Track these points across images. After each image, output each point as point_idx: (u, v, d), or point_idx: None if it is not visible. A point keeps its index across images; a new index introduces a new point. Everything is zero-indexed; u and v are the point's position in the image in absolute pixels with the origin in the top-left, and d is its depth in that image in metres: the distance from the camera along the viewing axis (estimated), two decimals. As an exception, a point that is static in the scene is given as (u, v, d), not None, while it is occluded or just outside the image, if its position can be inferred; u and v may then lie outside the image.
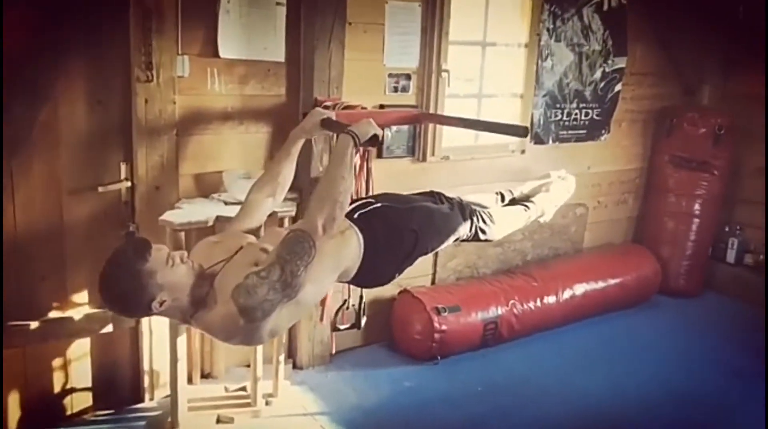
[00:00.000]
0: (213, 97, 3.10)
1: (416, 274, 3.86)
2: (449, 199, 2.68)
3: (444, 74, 3.67)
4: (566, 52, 4.27)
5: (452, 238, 2.60)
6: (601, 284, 4.29)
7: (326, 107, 2.95)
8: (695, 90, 4.93)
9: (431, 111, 3.65)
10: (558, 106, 4.34)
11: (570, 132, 4.45)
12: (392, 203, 2.44)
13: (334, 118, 2.42)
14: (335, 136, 3.03)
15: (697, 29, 4.66)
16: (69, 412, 3.07)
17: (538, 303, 3.97)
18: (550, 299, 4.03)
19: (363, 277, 2.31)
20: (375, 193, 3.07)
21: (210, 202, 3.06)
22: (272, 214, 2.40)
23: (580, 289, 4.17)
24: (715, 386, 3.64)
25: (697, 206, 4.77)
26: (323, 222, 1.94)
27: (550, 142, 4.35)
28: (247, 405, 3.14)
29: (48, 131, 2.77)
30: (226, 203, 3.04)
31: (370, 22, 3.43)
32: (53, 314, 2.93)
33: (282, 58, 3.21)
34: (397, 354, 3.76)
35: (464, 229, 2.62)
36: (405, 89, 3.63)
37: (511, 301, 3.87)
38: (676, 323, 4.45)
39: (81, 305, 3.00)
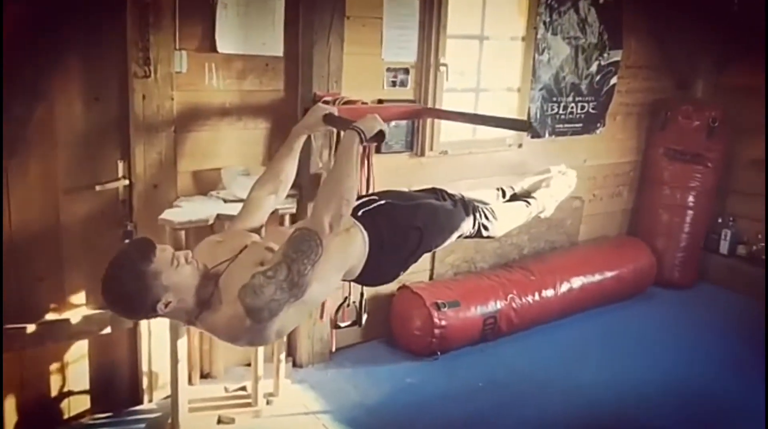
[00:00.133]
0: (211, 92, 3.04)
1: (414, 270, 3.77)
2: (451, 196, 2.67)
3: (442, 68, 3.64)
4: (563, 46, 4.24)
5: (456, 235, 2.59)
6: (598, 277, 4.30)
7: (326, 102, 2.92)
8: (689, 83, 4.94)
9: (429, 105, 3.62)
10: (554, 99, 4.30)
11: (566, 125, 4.42)
12: (396, 200, 2.42)
13: (336, 113, 2.40)
14: (336, 132, 3.02)
15: (690, 22, 4.66)
16: (66, 416, 3.02)
17: (537, 297, 3.97)
18: (548, 293, 4.03)
19: (368, 276, 2.29)
20: (375, 188, 3.06)
21: (209, 200, 3.01)
22: (273, 212, 2.36)
23: (577, 282, 4.18)
24: (713, 377, 3.66)
25: (691, 198, 4.79)
26: (330, 220, 1.92)
27: (547, 135, 4.32)
28: (248, 405, 3.11)
29: (44, 129, 2.70)
30: (225, 201, 2.99)
31: (369, 16, 3.39)
32: (50, 316, 2.88)
33: (280, 53, 3.16)
34: (397, 350, 3.74)
35: (467, 226, 2.61)
36: (403, 83, 3.59)
37: (510, 296, 3.87)
38: (672, 315, 4.48)
39: (79, 306, 2.94)
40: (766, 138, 4.51)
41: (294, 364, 3.51)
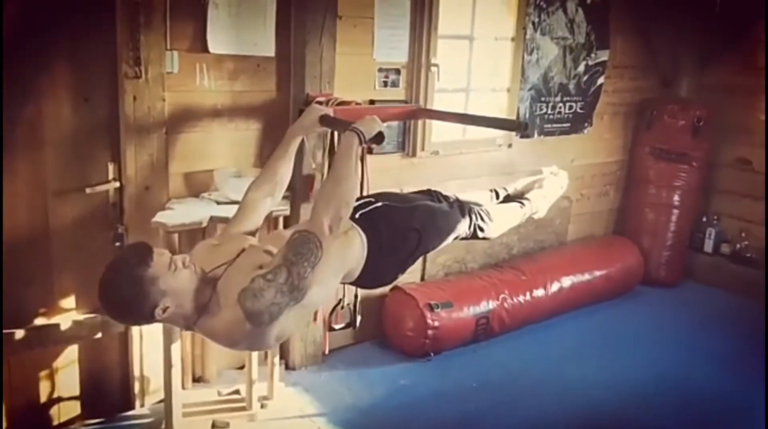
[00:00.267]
0: (202, 93, 3.00)
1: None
2: (446, 198, 2.66)
3: (433, 68, 3.63)
4: (551, 46, 4.27)
5: (452, 237, 2.58)
6: (587, 276, 4.32)
7: (319, 103, 2.90)
8: (673, 82, 4.99)
9: (421, 105, 3.61)
10: (543, 99, 4.34)
11: (554, 125, 4.46)
12: (393, 202, 2.40)
13: (331, 114, 2.37)
14: (330, 133, 3.00)
15: (675, 22, 4.71)
16: (56, 422, 2.97)
17: (528, 296, 3.99)
18: (539, 292, 4.05)
19: (366, 278, 2.28)
20: (369, 189, 3.05)
21: (201, 202, 2.98)
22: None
23: (567, 281, 4.20)
24: (703, 374, 3.69)
25: (676, 197, 4.83)
26: (330, 222, 1.89)
27: (536, 135, 4.35)
28: (242, 409, 3.08)
29: (32, 131, 2.65)
30: (218, 203, 2.96)
31: (360, 16, 3.37)
32: (40, 321, 2.82)
33: (272, 53, 3.13)
34: (390, 351, 3.73)
35: (464, 228, 2.60)
36: (395, 84, 3.58)
37: (502, 296, 3.87)
38: (660, 313, 4.52)
39: (68, 311, 2.89)
40: (766, 138, 4.55)
41: (287, 367, 3.48)
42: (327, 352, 3.39)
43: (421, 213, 2.43)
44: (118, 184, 2.87)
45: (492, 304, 3.81)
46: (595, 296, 4.39)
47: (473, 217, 2.63)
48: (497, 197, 2.97)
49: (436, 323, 3.58)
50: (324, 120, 2.30)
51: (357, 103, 3.07)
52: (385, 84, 3.55)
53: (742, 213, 4.92)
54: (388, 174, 3.56)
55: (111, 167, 2.85)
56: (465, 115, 3.06)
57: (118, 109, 2.80)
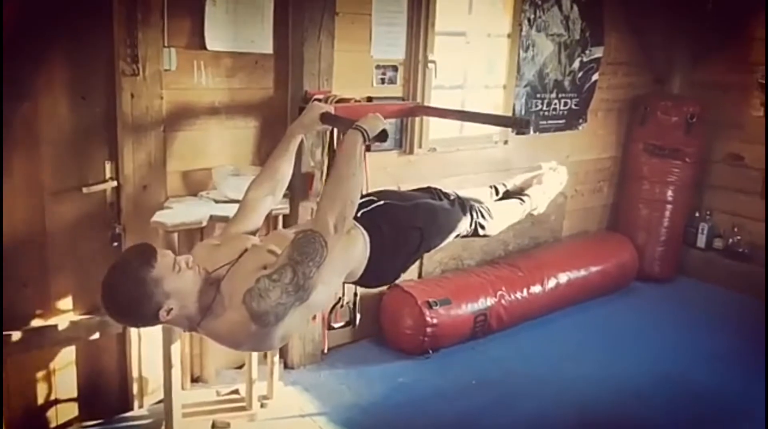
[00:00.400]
0: (200, 91, 2.97)
1: (403, 268, 3.82)
2: (447, 195, 2.65)
3: (430, 65, 3.62)
4: (546, 43, 4.27)
5: (453, 235, 2.57)
6: (583, 272, 4.34)
7: (318, 100, 2.88)
8: (666, 79, 5.01)
9: (418, 102, 3.60)
10: (538, 96, 4.34)
11: (550, 122, 4.47)
12: (395, 201, 2.39)
13: (332, 112, 2.35)
14: (329, 131, 2.98)
15: (667, 19, 4.72)
16: (54, 425, 2.93)
17: (525, 293, 3.99)
18: (536, 289, 4.06)
19: (369, 277, 2.26)
20: (368, 187, 3.03)
21: (200, 201, 2.95)
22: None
23: (563, 277, 4.21)
24: (699, 369, 3.71)
25: (670, 193, 4.85)
26: (335, 221, 1.88)
27: (531, 132, 4.35)
28: (242, 408, 3.06)
29: (28, 129, 2.61)
30: (216, 202, 2.93)
31: (358, 13, 3.35)
32: (36, 322, 2.79)
33: (270, 50, 3.11)
34: (388, 349, 3.72)
35: (465, 225, 2.59)
36: (392, 81, 3.57)
37: (499, 292, 3.88)
38: (655, 308, 4.54)
39: (65, 312, 2.86)
40: (766, 136, 4.58)
41: (285, 366, 3.46)
42: (326, 350, 3.37)
43: (423, 211, 2.42)
44: (115, 183, 2.84)
45: (490, 301, 3.81)
46: (590, 292, 4.40)
47: (474, 214, 2.62)
48: (496, 193, 2.97)
49: (435, 321, 3.57)
50: (325, 118, 2.28)
51: (356, 101, 3.05)
52: (383, 81, 3.54)
53: (734, 208, 4.95)
54: (385, 172, 3.55)
55: (108, 166, 2.82)
56: (465, 113, 3.05)
57: (115, 107, 2.77)
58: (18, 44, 2.50)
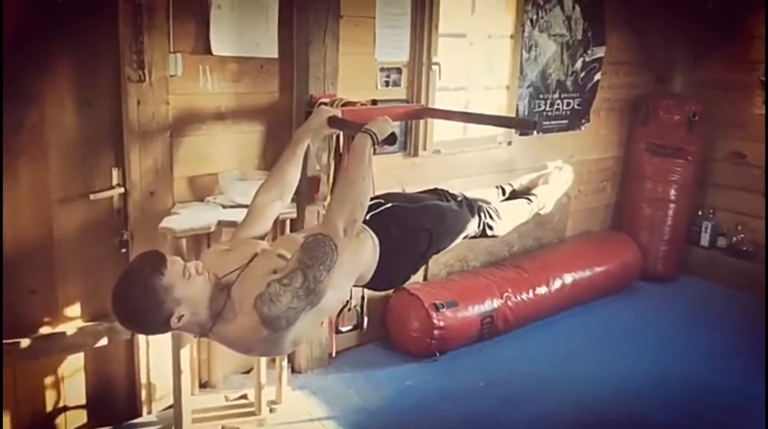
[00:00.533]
0: (206, 96, 2.97)
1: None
2: (454, 196, 2.64)
3: (434, 67, 3.62)
4: (549, 43, 4.27)
5: (462, 236, 2.57)
6: (588, 272, 4.34)
7: (323, 104, 2.88)
8: (667, 78, 5.01)
9: (422, 104, 3.59)
10: (541, 96, 4.35)
11: (553, 122, 4.47)
12: (402, 203, 2.39)
13: (339, 116, 2.35)
14: (335, 135, 2.97)
15: (668, 18, 4.73)
16: (63, 431, 2.93)
17: (531, 294, 3.99)
18: (542, 290, 4.06)
19: (378, 280, 2.26)
20: (374, 190, 3.03)
21: (207, 206, 2.95)
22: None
23: (569, 278, 4.21)
24: (703, 368, 3.71)
25: (672, 192, 4.85)
26: (344, 224, 1.87)
27: (535, 132, 4.35)
28: (251, 414, 3.05)
29: (35, 136, 2.60)
30: (224, 207, 2.92)
31: (362, 15, 3.35)
32: (44, 330, 2.78)
33: (275, 54, 3.10)
34: (395, 352, 3.71)
35: (473, 226, 2.59)
36: (396, 83, 3.57)
37: (505, 294, 3.87)
38: (659, 308, 4.54)
39: (73, 319, 2.85)
40: (766, 137, 4.58)
41: (293, 371, 3.46)
42: (334, 354, 3.37)
43: (431, 213, 2.41)
44: (122, 189, 2.83)
45: (496, 303, 3.81)
46: (595, 292, 4.40)
47: (482, 215, 2.62)
48: (503, 193, 2.97)
49: (442, 323, 3.57)
50: (332, 122, 2.27)
51: (362, 104, 3.05)
52: (387, 83, 3.54)
53: (737, 206, 4.95)
54: (390, 174, 3.54)
55: (115, 173, 2.81)
56: (471, 114, 3.04)
57: (121, 113, 2.76)
58: (24, 50, 2.50)
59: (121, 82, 2.72)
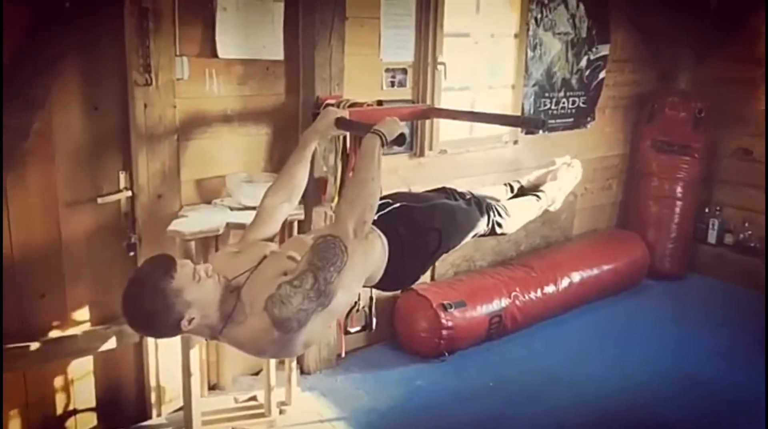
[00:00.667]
0: (212, 99, 2.98)
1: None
2: (462, 195, 2.64)
3: (440, 67, 3.62)
4: (553, 41, 4.27)
5: (472, 234, 2.56)
6: (595, 271, 4.33)
7: (330, 105, 2.87)
8: (672, 75, 5.00)
9: (428, 104, 3.59)
10: (546, 95, 4.34)
11: (558, 121, 4.46)
12: (411, 202, 2.37)
13: (347, 117, 2.35)
14: (341, 136, 2.97)
15: (672, 15, 4.72)
16: (73, 434, 2.94)
17: (539, 293, 3.99)
18: (550, 289, 4.05)
19: (388, 281, 2.25)
20: (381, 190, 3.02)
21: (214, 209, 2.95)
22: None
23: (576, 276, 4.20)
24: (713, 366, 3.71)
25: (679, 189, 4.84)
26: (354, 225, 1.87)
27: (540, 131, 4.34)
28: (261, 415, 3.05)
29: (42, 140, 2.61)
30: (231, 209, 2.93)
31: (367, 16, 3.35)
32: (54, 333, 2.79)
33: (281, 56, 3.11)
34: (403, 352, 3.71)
35: (483, 225, 2.58)
36: (402, 84, 3.57)
37: (513, 293, 3.87)
38: (666, 305, 4.53)
39: (82, 323, 2.86)
40: (766, 132, 4.57)
41: (302, 372, 3.46)
42: (343, 354, 3.37)
43: (440, 212, 2.40)
44: (130, 193, 2.84)
45: (504, 302, 3.81)
46: (603, 291, 4.39)
47: (491, 213, 2.61)
48: (512, 190, 2.96)
49: (450, 323, 3.57)
50: (340, 123, 2.27)
51: (368, 105, 3.05)
52: (393, 84, 3.54)
53: (744, 203, 4.93)
54: (396, 174, 3.54)
55: (122, 176, 2.82)
56: (477, 114, 3.04)
57: (128, 117, 2.77)
58: (32, 56, 2.50)
59: (128, 85, 2.73)
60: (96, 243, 2.83)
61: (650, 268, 4.81)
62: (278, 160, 3.16)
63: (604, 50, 4.60)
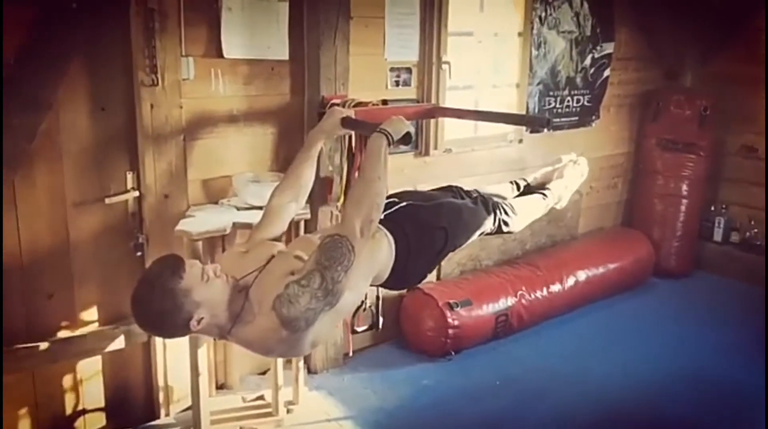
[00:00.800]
0: (218, 99, 2.99)
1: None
2: (469, 193, 2.64)
3: (444, 66, 3.62)
4: (558, 40, 4.27)
5: (478, 233, 2.56)
6: (601, 269, 4.33)
7: (335, 105, 2.88)
8: (677, 73, 5.00)
9: (437, 104, 3.60)
10: (551, 93, 4.34)
11: (563, 119, 4.46)
12: (417, 201, 2.38)
13: (353, 116, 2.35)
14: (347, 135, 2.98)
15: (676, 13, 4.71)
16: (82, 434, 2.95)
17: (545, 292, 3.99)
18: (556, 287, 4.05)
19: (394, 280, 2.25)
20: (387, 189, 3.03)
21: (221, 208, 2.96)
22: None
23: (582, 275, 4.20)
24: (721, 363, 3.70)
25: (684, 187, 4.84)
26: (361, 225, 1.87)
27: (545, 130, 4.34)
28: (269, 414, 3.06)
29: (50, 141, 2.62)
30: (237, 209, 2.94)
31: (371, 16, 3.36)
32: (62, 333, 2.80)
33: (286, 56, 3.11)
34: (410, 352, 3.71)
35: (489, 223, 2.58)
36: (406, 83, 3.57)
37: (519, 292, 3.87)
38: (672, 303, 4.53)
39: (91, 323, 2.87)
40: (766, 130, 4.56)
41: (309, 371, 3.46)
42: (351, 354, 3.38)
43: (447, 211, 2.41)
44: (137, 193, 2.85)
45: (510, 301, 3.81)
46: (609, 289, 4.39)
47: (497, 211, 2.61)
48: (518, 189, 2.96)
49: (456, 322, 3.57)
50: (346, 122, 2.28)
51: (373, 104, 3.05)
52: (397, 83, 3.55)
53: (749, 201, 4.92)
54: (402, 173, 3.55)
55: (129, 176, 2.83)
56: (483, 113, 3.04)
57: (135, 118, 2.78)
58: (38, 57, 2.51)
59: (135, 86, 2.75)
60: (104, 243, 2.84)
61: (656, 266, 4.80)
62: (284, 159, 3.17)
63: (609, 48, 4.60)
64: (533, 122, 2.67)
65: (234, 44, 2.95)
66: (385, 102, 3.43)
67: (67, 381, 2.86)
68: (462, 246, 2.54)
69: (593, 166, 4.74)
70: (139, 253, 2.89)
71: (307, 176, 2.26)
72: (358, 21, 3.28)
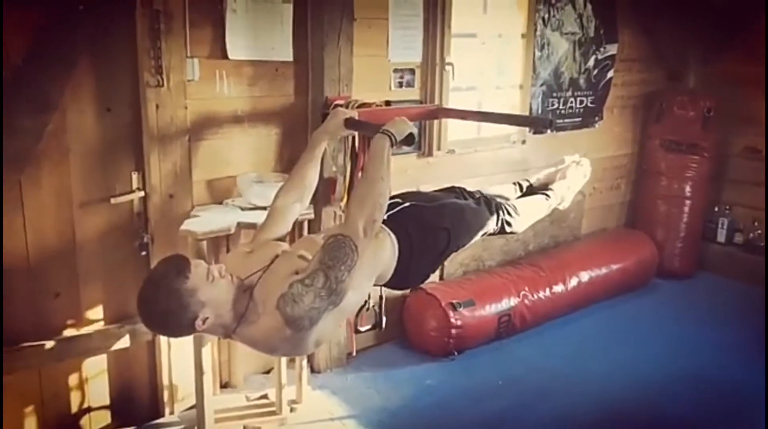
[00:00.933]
0: (222, 100, 3.01)
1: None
2: (472, 194, 2.65)
3: (448, 68, 3.64)
4: (561, 41, 4.28)
5: (481, 234, 2.57)
6: (604, 270, 4.34)
7: (339, 106, 2.90)
8: (680, 74, 5.00)
9: (440, 105, 3.61)
10: (554, 95, 4.35)
11: (566, 120, 4.47)
12: (420, 202, 2.40)
13: (356, 117, 2.37)
14: (350, 136, 2.99)
15: (679, 14, 4.71)
16: (87, 432, 2.97)
17: (548, 292, 4.00)
18: (559, 288, 4.06)
19: (397, 280, 2.27)
20: (390, 190, 3.04)
21: (225, 209, 2.98)
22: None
23: (585, 276, 4.21)
24: (723, 364, 3.71)
25: (688, 188, 4.84)
26: (364, 225, 1.89)
27: (548, 131, 4.35)
28: (273, 413, 3.08)
29: (56, 142, 2.64)
30: (242, 209, 2.96)
31: (375, 17, 3.38)
32: (68, 332, 2.82)
33: (290, 57, 3.13)
34: (413, 351, 3.73)
35: (492, 224, 2.60)
36: (410, 84, 3.59)
37: (522, 292, 3.88)
38: (676, 304, 4.53)
39: (96, 321, 2.89)
40: (766, 129, 4.57)
41: (312, 370, 3.48)
42: (354, 353, 3.39)
43: (450, 211, 2.42)
44: (142, 193, 2.87)
45: (513, 301, 3.82)
46: (612, 290, 4.40)
47: (500, 212, 2.63)
48: (520, 189, 2.97)
49: (459, 322, 3.58)
50: (349, 123, 2.29)
51: (377, 105, 3.07)
52: (401, 84, 3.56)
53: (753, 202, 4.91)
54: (405, 174, 3.57)
55: (135, 176, 2.85)
56: (486, 114, 3.05)
57: (140, 118, 2.80)
58: (44, 57, 2.53)
59: (140, 87, 2.77)
60: (109, 243, 2.86)
61: (659, 267, 4.81)
62: (288, 160, 3.19)
63: (612, 50, 4.61)
64: (536, 123, 2.68)
65: (238, 45, 2.97)
66: (388, 103, 3.42)
67: (72, 379, 2.89)
68: (465, 246, 2.55)
69: (596, 167, 4.75)
70: (144, 253, 2.91)
71: (311, 177, 2.28)
72: (362, 22, 3.30)
